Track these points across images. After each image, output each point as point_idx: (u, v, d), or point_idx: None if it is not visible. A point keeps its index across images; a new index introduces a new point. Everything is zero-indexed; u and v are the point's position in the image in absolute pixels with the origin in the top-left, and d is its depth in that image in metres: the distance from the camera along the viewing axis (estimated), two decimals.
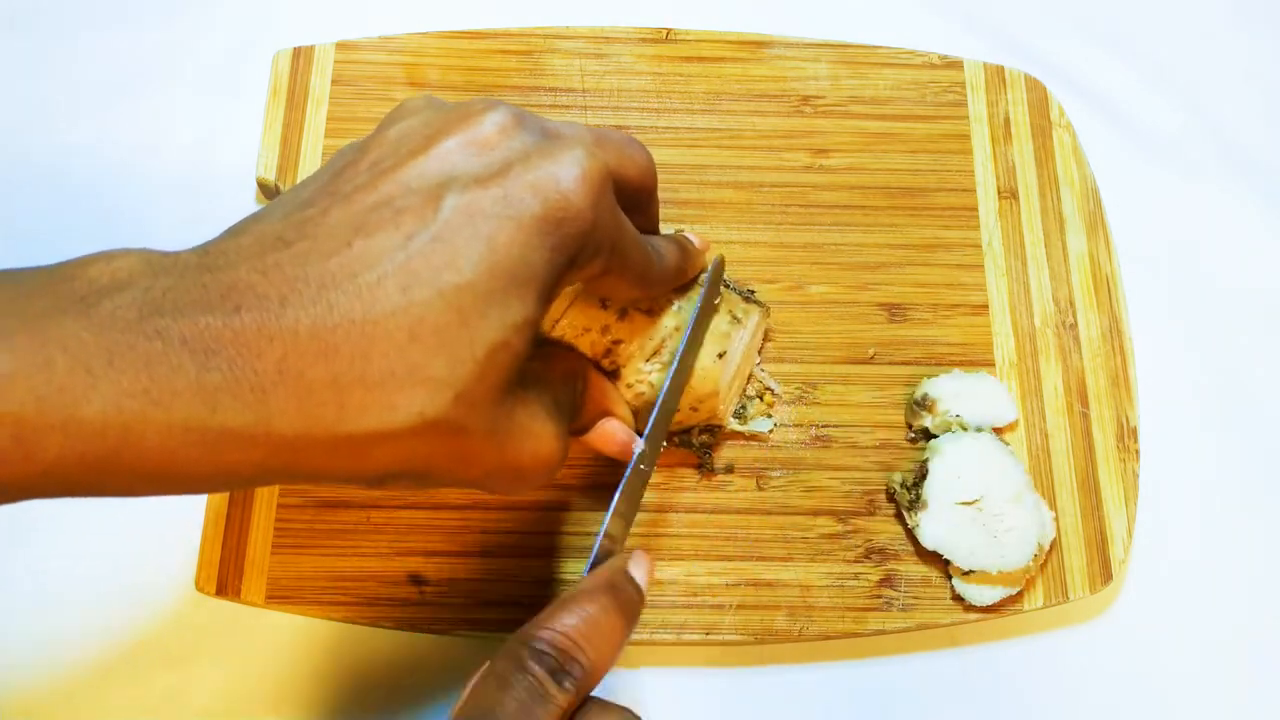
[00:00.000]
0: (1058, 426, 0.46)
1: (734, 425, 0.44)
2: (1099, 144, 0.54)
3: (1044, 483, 0.45)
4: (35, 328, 0.23)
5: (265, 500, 0.43)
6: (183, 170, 0.52)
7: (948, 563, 0.43)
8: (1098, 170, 0.51)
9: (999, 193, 0.50)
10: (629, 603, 0.30)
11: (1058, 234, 0.49)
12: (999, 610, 0.42)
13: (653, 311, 0.38)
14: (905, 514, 0.43)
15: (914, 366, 0.47)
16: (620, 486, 0.34)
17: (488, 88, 0.51)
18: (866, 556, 0.43)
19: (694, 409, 0.40)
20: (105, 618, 0.44)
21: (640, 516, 0.43)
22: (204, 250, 0.27)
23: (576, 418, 0.37)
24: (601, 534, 0.33)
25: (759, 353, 0.46)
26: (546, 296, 0.29)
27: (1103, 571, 0.44)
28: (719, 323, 0.40)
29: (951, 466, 0.42)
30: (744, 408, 0.45)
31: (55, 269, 0.25)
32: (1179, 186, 0.54)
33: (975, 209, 0.50)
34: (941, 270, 0.48)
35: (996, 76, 0.52)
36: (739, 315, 0.41)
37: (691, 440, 0.43)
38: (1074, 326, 0.48)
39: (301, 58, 0.51)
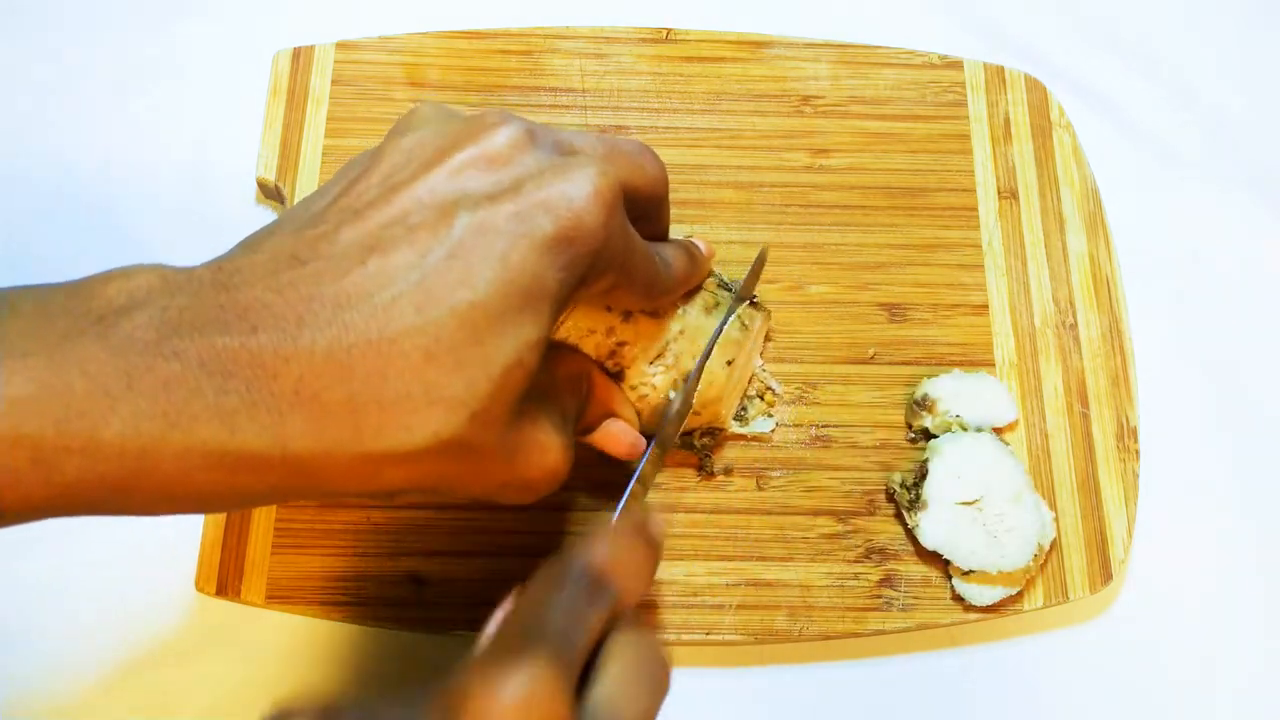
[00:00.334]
0: (1058, 426, 0.46)
1: (735, 428, 0.44)
2: (1099, 144, 0.54)
3: (1044, 483, 0.45)
4: (55, 350, 0.23)
5: None
6: (183, 170, 0.51)
7: (948, 563, 0.43)
8: (1098, 170, 0.51)
9: (999, 193, 0.50)
10: (654, 546, 0.30)
11: (1058, 234, 0.49)
12: (999, 610, 0.42)
13: (658, 314, 0.38)
14: (905, 514, 0.43)
15: (914, 366, 0.47)
16: (638, 470, 0.36)
17: (488, 88, 0.51)
18: (866, 556, 0.43)
19: (697, 413, 0.40)
20: (105, 618, 0.43)
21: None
22: (218, 267, 0.26)
23: (581, 420, 0.37)
24: (633, 481, 0.36)
25: (760, 354, 0.46)
26: (558, 314, 0.29)
27: (1103, 571, 0.44)
28: (730, 329, 0.40)
29: (951, 466, 0.42)
30: (744, 409, 0.45)
31: (73, 287, 0.25)
32: (1179, 186, 0.54)
33: (975, 209, 0.50)
34: (941, 270, 0.48)
35: (996, 77, 0.52)
36: (747, 322, 0.41)
37: (693, 442, 0.43)
38: (1074, 326, 0.48)
39: (301, 58, 0.51)
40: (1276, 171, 0.55)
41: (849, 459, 0.45)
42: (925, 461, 0.43)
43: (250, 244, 0.28)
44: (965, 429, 0.44)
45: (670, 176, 0.49)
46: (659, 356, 0.38)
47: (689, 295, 0.40)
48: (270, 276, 0.26)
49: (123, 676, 0.43)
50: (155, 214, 0.51)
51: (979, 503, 0.42)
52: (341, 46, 0.51)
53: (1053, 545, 0.43)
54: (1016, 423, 0.46)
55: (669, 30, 0.53)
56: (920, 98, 0.52)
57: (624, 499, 0.35)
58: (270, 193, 0.50)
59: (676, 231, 0.48)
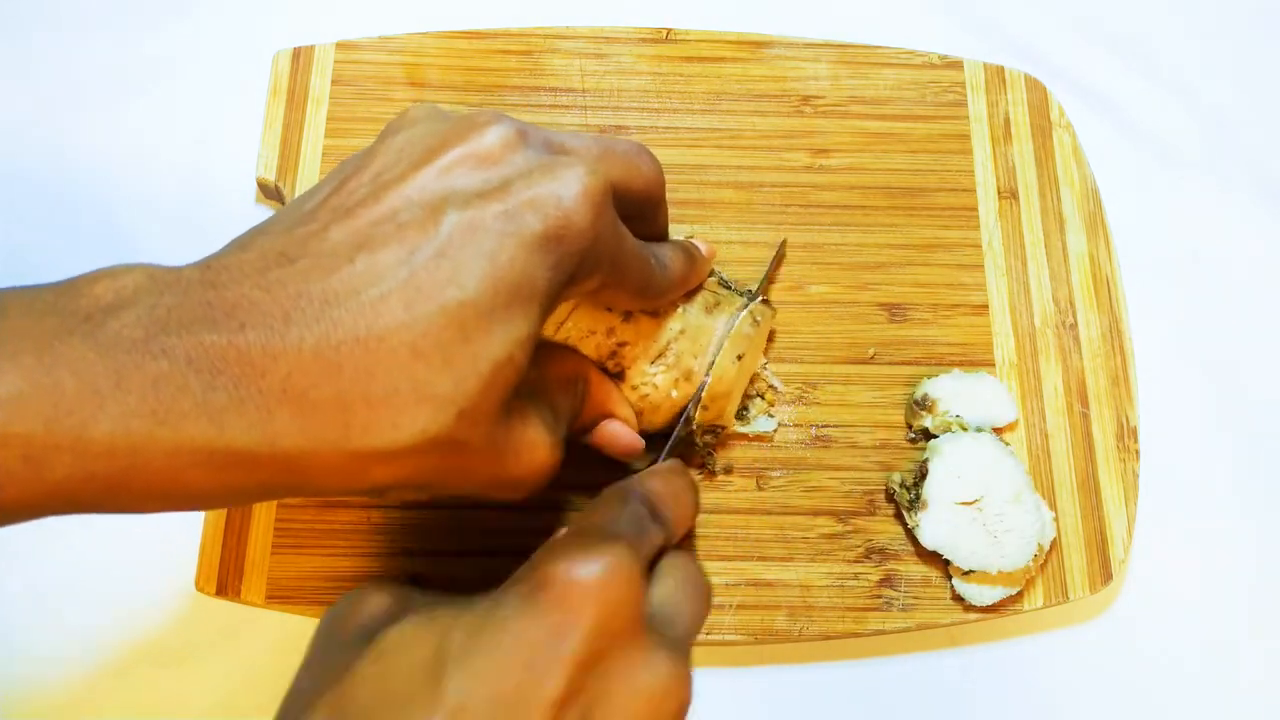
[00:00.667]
0: (1058, 426, 0.46)
1: (737, 427, 0.44)
2: (1099, 144, 0.54)
3: (1044, 483, 0.45)
4: (44, 349, 0.23)
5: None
6: (183, 170, 0.52)
7: (948, 563, 0.43)
8: (1098, 170, 0.51)
9: (999, 193, 0.50)
10: (696, 490, 0.34)
11: (1058, 234, 0.49)
12: (999, 610, 0.42)
13: (658, 314, 0.38)
14: (905, 514, 0.43)
15: (914, 366, 0.47)
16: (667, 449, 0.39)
17: (488, 88, 0.51)
18: (866, 556, 0.43)
19: (705, 407, 0.40)
20: (105, 618, 0.44)
21: None
22: (206, 265, 0.27)
23: (578, 420, 0.37)
24: (679, 429, 0.39)
25: (764, 353, 0.46)
26: (547, 312, 0.29)
27: (1103, 571, 0.44)
28: (742, 325, 0.40)
29: (951, 466, 0.42)
30: (745, 409, 0.45)
31: (61, 287, 0.25)
32: (1179, 186, 0.54)
33: (975, 209, 0.50)
34: (941, 270, 0.48)
35: (996, 76, 0.52)
36: (759, 318, 0.41)
37: (695, 440, 0.43)
38: (1074, 326, 0.48)
39: (301, 58, 0.51)
40: (1276, 171, 0.55)
41: (849, 459, 0.45)
42: (925, 461, 0.43)
43: (240, 243, 0.28)
44: (965, 429, 0.44)
45: (670, 176, 0.49)
46: (660, 356, 0.38)
47: (689, 294, 0.40)
48: (259, 274, 0.26)
49: (123, 676, 0.43)
50: (155, 214, 0.51)
51: (979, 503, 0.42)
52: (341, 46, 0.51)
53: (1053, 545, 0.43)
54: (1016, 423, 0.46)
55: (669, 30, 0.53)
56: (920, 98, 0.52)
57: (666, 450, 0.38)
58: (270, 193, 0.50)
59: (677, 231, 0.48)
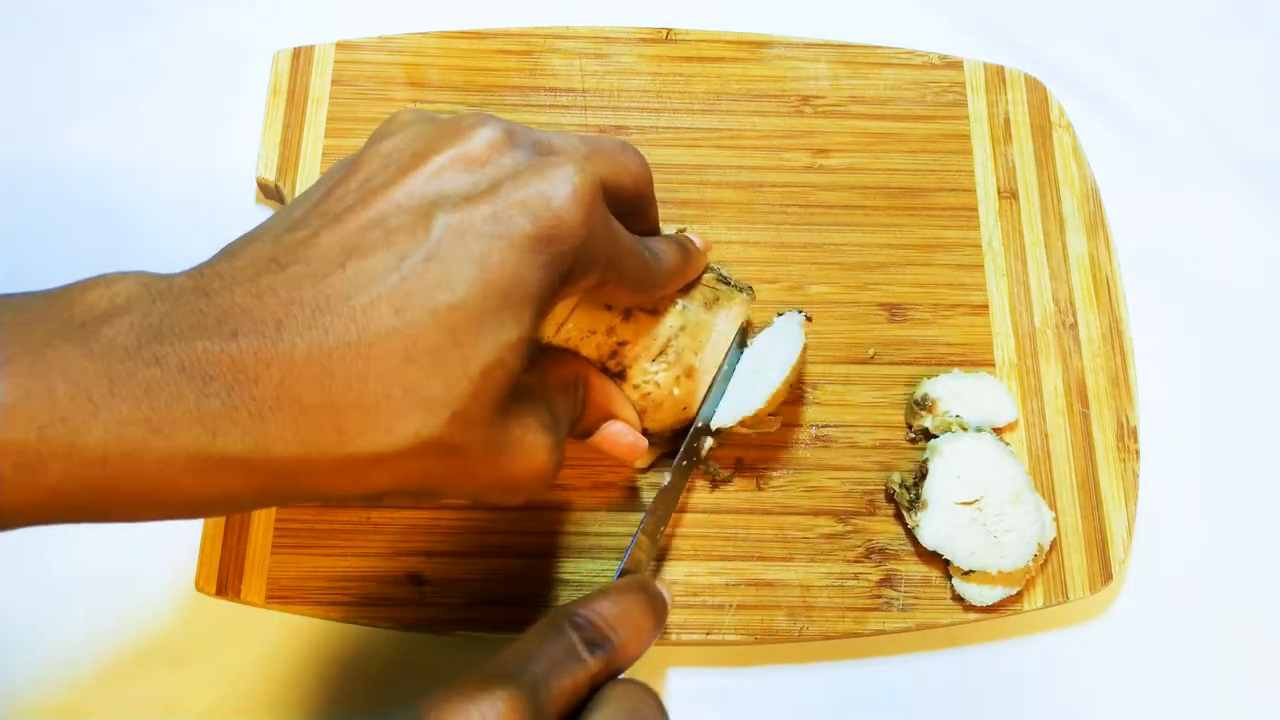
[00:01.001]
0: (1058, 426, 0.46)
1: (737, 425, 0.44)
2: (1099, 144, 0.54)
3: (1044, 483, 0.45)
4: (36, 356, 0.23)
5: None
6: (183, 170, 0.52)
7: (948, 563, 0.43)
8: (1098, 170, 0.51)
9: (999, 193, 0.50)
10: (658, 607, 0.33)
11: (1058, 234, 0.49)
12: (999, 610, 0.42)
13: (657, 312, 0.38)
14: (905, 514, 0.43)
15: (914, 366, 0.47)
16: (653, 503, 0.39)
17: (488, 88, 0.51)
18: (866, 556, 0.43)
19: (685, 408, 0.40)
20: (105, 618, 0.44)
21: (641, 516, 0.43)
22: (199, 273, 0.27)
23: (579, 423, 0.37)
24: (634, 540, 0.37)
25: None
26: (541, 313, 0.29)
27: (1103, 571, 0.44)
28: (797, 348, 0.41)
29: (951, 466, 0.42)
30: None
31: (55, 294, 0.25)
32: (1179, 186, 0.54)
33: (975, 209, 0.50)
34: (941, 270, 0.48)
35: (996, 76, 0.52)
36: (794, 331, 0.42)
37: (698, 449, 0.43)
38: (1074, 326, 0.48)
39: (301, 58, 0.51)
40: (1276, 171, 0.55)
41: (849, 459, 0.45)
42: (925, 461, 0.43)
43: (231, 250, 0.28)
44: (965, 429, 0.44)
45: (670, 176, 0.50)
46: (661, 354, 0.38)
47: (688, 291, 0.40)
48: (250, 281, 0.26)
49: (123, 676, 0.43)
50: (155, 214, 0.51)
51: (979, 503, 0.42)
52: (341, 46, 0.51)
53: (1053, 545, 0.43)
54: (1016, 422, 0.46)
55: (669, 30, 0.53)
56: (920, 98, 0.52)
57: (626, 555, 0.37)
58: (270, 193, 0.50)
59: (671, 230, 0.48)
